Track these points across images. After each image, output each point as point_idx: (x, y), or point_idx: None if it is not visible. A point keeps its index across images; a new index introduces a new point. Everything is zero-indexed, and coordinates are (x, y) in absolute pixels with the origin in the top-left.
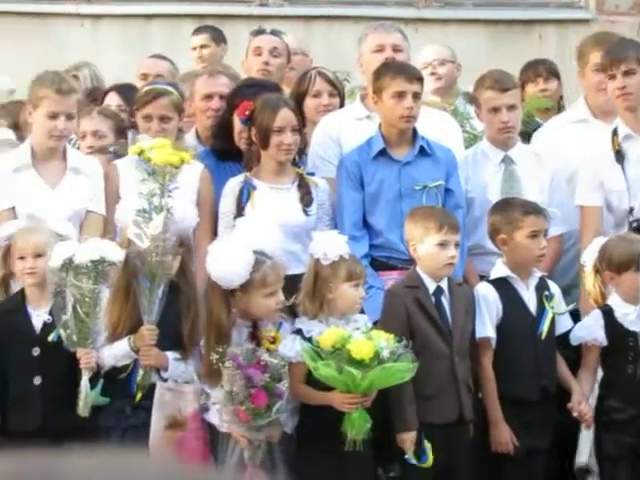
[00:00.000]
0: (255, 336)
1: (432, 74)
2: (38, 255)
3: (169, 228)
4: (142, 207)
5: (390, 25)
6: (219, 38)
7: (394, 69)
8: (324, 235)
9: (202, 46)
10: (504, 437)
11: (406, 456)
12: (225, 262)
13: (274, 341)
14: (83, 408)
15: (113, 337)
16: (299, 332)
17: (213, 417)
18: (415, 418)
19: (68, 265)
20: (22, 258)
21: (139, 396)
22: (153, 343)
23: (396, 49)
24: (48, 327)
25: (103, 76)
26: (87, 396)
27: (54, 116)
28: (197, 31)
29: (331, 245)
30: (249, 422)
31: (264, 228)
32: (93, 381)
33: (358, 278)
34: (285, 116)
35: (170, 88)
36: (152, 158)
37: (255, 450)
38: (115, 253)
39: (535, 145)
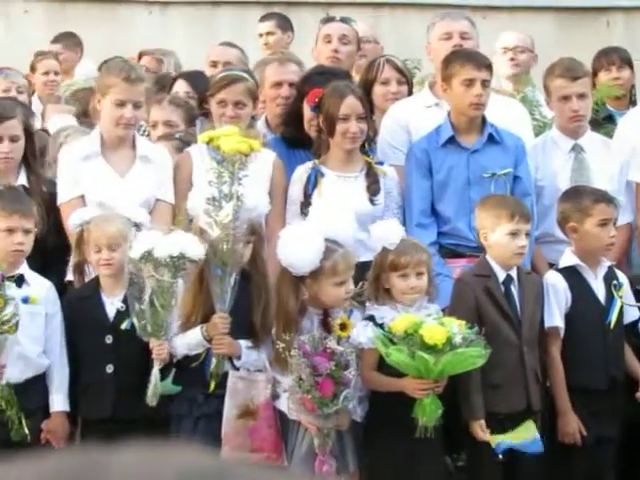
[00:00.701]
0: (326, 323)
1: (512, 59)
2: (113, 247)
3: (239, 216)
4: (212, 195)
5: (458, 13)
6: (285, 25)
7: (463, 57)
8: (384, 224)
9: (268, 33)
10: (572, 427)
11: (494, 444)
12: (296, 248)
13: (345, 328)
14: (151, 398)
15: (186, 326)
16: (371, 318)
17: (283, 405)
18: (482, 406)
19: (147, 257)
20: (97, 249)
21: (212, 385)
22: (226, 331)
23: (464, 37)
24: (121, 315)
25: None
26: (156, 386)
27: (121, 104)
28: (264, 18)
29: (386, 234)
30: (315, 411)
31: (339, 215)
32: (164, 371)
33: (404, 268)
34: (351, 104)
35: (246, 75)
36: (221, 146)
37: (324, 438)
38: (196, 250)
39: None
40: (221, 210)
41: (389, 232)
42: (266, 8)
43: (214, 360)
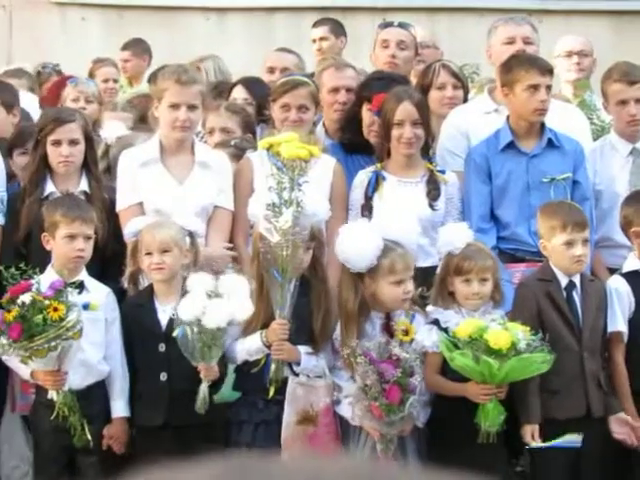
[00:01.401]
0: (388, 327)
1: (577, 64)
2: (165, 251)
3: (300, 222)
4: (272, 201)
5: (521, 17)
6: (339, 31)
7: (527, 62)
8: (451, 228)
9: (321, 38)
10: (637, 432)
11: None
12: (354, 243)
13: (407, 333)
14: (200, 408)
15: (246, 331)
16: (435, 322)
17: (344, 410)
18: (538, 411)
19: (195, 323)
20: (149, 254)
21: (272, 391)
22: (285, 338)
23: (527, 41)
24: (174, 323)
25: (228, 69)
26: (205, 400)
27: (175, 107)
28: (317, 23)
29: (453, 238)
30: (382, 418)
31: (402, 220)
32: (215, 385)
33: (467, 273)
34: (406, 109)
35: (308, 79)
36: (281, 152)
37: (387, 443)
38: (245, 312)
39: None
40: (281, 216)
41: (457, 235)
42: (322, 13)
43: (273, 366)
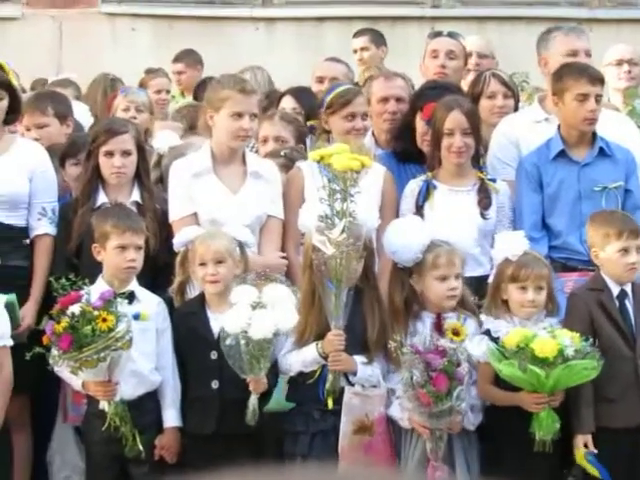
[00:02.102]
0: (439, 328)
1: (628, 72)
2: (219, 261)
3: (353, 233)
4: (324, 213)
5: (580, 30)
6: (379, 41)
7: (577, 71)
8: (505, 236)
9: (362, 48)
10: None
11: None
12: (401, 236)
13: (458, 334)
14: (250, 419)
15: (300, 342)
16: (487, 333)
17: (395, 411)
18: (591, 421)
19: (242, 334)
20: (203, 264)
21: (330, 403)
22: (342, 348)
23: (588, 54)
24: (222, 336)
25: (274, 79)
26: (254, 412)
27: (239, 116)
28: (357, 34)
29: (509, 246)
30: (430, 405)
31: (459, 228)
32: (264, 396)
33: (524, 280)
34: (456, 118)
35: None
36: (333, 164)
37: (437, 442)
38: (290, 322)
39: None
40: (334, 228)
41: (513, 243)
42: (371, 23)
43: (330, 377)
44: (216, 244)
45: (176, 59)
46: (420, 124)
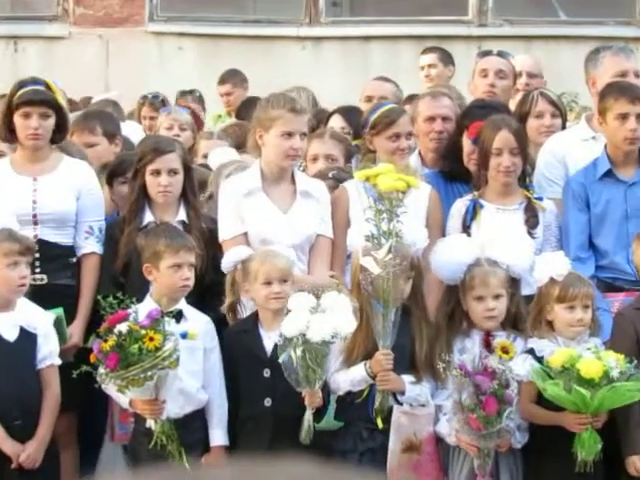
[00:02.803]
0: (487, 345)
1: None
2: (284, 280)
3: (399, 253)
4: (371, 233)
5: (629, 50)
6: (447, 60)
7: (617, 90)
8: (547, 257)
9: (430, 65)
10: None
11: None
12: (446, 254)
13: (507, 352)
14: (304, 438)
15: (349, 361)
16: (531, 352)
17: (443, 427)
18: None
19: (300, 338)
20: (267, 283)
21: (380, 422)
22: (390, 368)
23: (637, 74)
24: (279, 349)
25: (320, 98)
26: (309, 429)
27: (289, 135)
28: (426, 51)
29: (550, 266)
30: (481, 430)
31: (517, 246)
32: (317, 413)
33: (572, 300)
34: (504, 138)
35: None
36: (379, 184)
37: (485, 458)
38: (348, 325)
39: None
40: (380, 248)
41: (556, 264)
42: (418, 42)
43: (379, 397)
44: (281, 263)
45: (222, 80)
46: (467, 143)
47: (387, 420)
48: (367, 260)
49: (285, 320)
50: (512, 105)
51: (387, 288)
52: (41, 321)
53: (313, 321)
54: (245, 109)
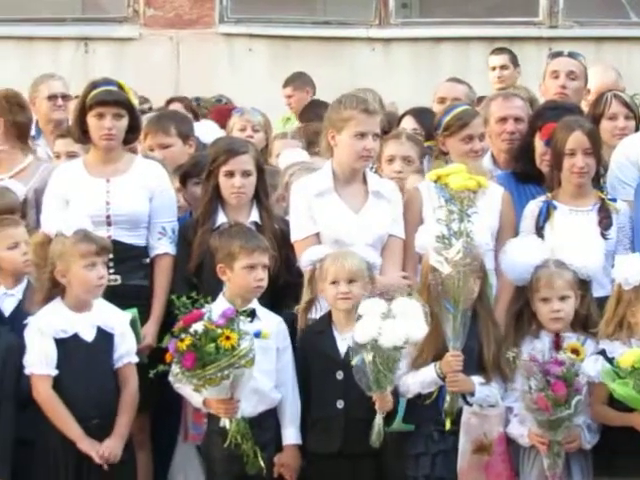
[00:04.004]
0: (557, 346)
1: None
2: (352, 280)
3: (469, 253)
4: (442, 233)
5: None
6: (516, 61)
7: None
8: (626, 259)
9: (502, 67)
10: None
11: None
12: (517, 255)
13: (578, 353)
14: (374, 441)
15: (417, 362)
16: (602, 353)
17: (514, 428)
18: None
19: (372, 344)
20: (335, 283)
21: (449, 424)
22: (460, 369)
23: None
24: (352, 352)
25: (390, 99)
26: (380, 432)
27: (362, 136)
28: (497, 51)
29: (633, 269)
30: (549, 410)
31: (589, 248)
32: (388, 416)
33: None
34: (577, 139)
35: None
36: (449, 184)
37: (554, 457)
38: (420, 331)
39: None
40: (451, 248)
41: (634, 266)
42: (489, 43)
43: (448, 398)
44: (349, 263)
45: (285, 83)
46: (539, 144)
47: (457, 421)
48: (437, 260)
49: (357, 326)
50: (584, 106)
51: (457, 288)
52: (118, 321)
53: (384, 327)
54: (307, 112)
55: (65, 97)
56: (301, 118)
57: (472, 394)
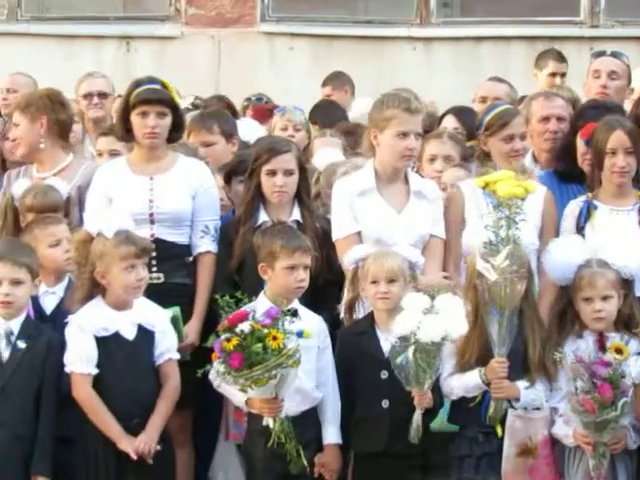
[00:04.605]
0: (601, 346)
1: None
2: (392, 280)
3: (517, 259)
4: (489, 239)
5: None
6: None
7: None
8: None
9: (562, 75)
10: None
11: None
12: (559, 254)
13: (622, 352)
14: (413, 437)
15: (461, 362)
16: None
17: (559, 429)
18: None
19: (410, 337)
20: (375, 282)
21: (500, 430)
22: (504, 376)
23: None
24: (395, 351)
25: (431, 98)
26: (418, 428)
27: (404, 135)
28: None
29: None
30: (595, 412)
31: (630, 247)
32: (430, 414)
33: None
34: (618, 138)
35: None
36: (498, 191)
37: (600, 458)
38: (459, 328)
39: None
40: (498, 255)
41: None
42: (530, 43)
43: (493, 404)
44: (389, 263)
45: (324, 82)
46: (580, 143)
47: (503, 424)
48: (484, 267)
49: (397, 319)
50: (627, 106)
51: (504, 295)
52: (158, 318)
53: (425, 322)
54: (314, 113)
55: (102, 95)
56: (310, 118)
57: (517, 400)
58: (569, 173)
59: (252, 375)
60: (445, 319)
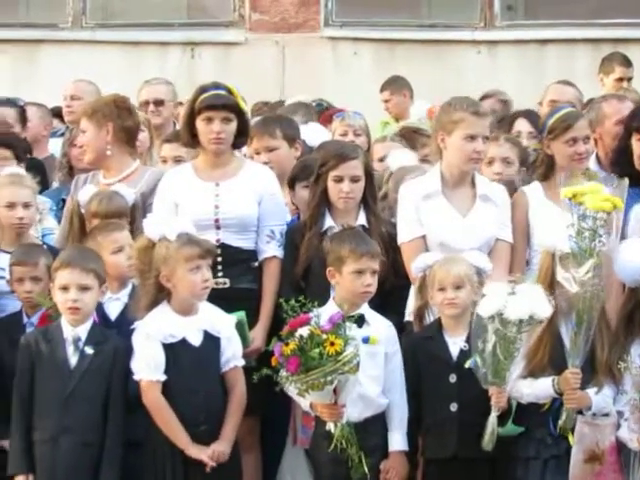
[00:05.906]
0: None
1: None
2: (458, 287)
3: (599, 273)
4: (572, 250)
5: None
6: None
7: None
8: None
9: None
10: None
11: None
12: (627, 254)
13: None
14: (487, 443)
15: (531, 364)
16: None
17: (624, 432)
18: None
19: (496, 317)
20: (442, 289)
21: (571, 438)
22: (577, 387)
23: None
24: (465, 354)
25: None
26: (493, 433)
27: (472, 138)
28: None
29: None
30: None
31: None
32: (504, 415)
33: None
34: None
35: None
36: (586, 203)
37: None
38: (545, 309)
39: None
40: (580, 267)
41: None
42: (594, 45)
43: (564, 414)
44: (456, 269)
45: (382, 87)
46: (637, 145)
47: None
48: (565, 277)
49: (481, 302)
50: None
51: (583, 307)
52: (224, 325)
53: (510, 301)
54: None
55: (158, 102)
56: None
57: (589, 409)
58: (626, 176)
59: (308, 380)
60: (530, 300)
